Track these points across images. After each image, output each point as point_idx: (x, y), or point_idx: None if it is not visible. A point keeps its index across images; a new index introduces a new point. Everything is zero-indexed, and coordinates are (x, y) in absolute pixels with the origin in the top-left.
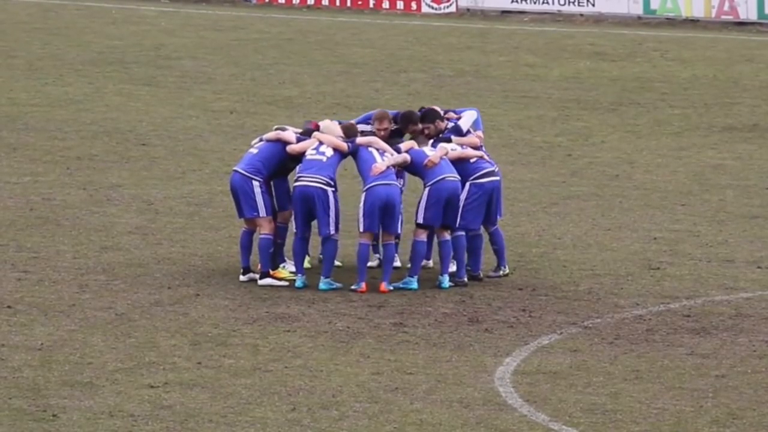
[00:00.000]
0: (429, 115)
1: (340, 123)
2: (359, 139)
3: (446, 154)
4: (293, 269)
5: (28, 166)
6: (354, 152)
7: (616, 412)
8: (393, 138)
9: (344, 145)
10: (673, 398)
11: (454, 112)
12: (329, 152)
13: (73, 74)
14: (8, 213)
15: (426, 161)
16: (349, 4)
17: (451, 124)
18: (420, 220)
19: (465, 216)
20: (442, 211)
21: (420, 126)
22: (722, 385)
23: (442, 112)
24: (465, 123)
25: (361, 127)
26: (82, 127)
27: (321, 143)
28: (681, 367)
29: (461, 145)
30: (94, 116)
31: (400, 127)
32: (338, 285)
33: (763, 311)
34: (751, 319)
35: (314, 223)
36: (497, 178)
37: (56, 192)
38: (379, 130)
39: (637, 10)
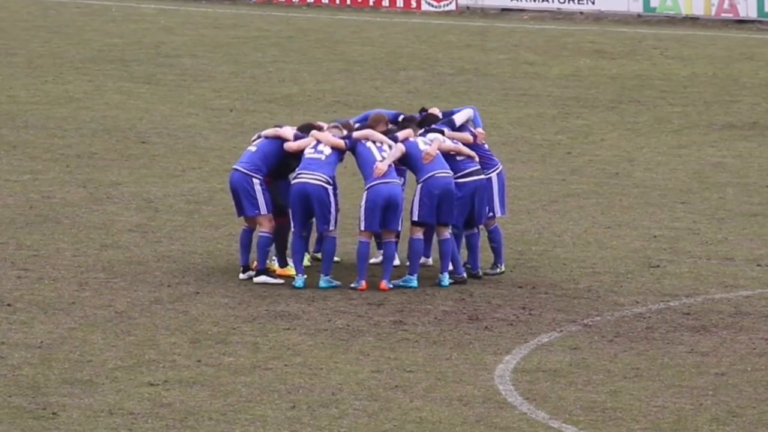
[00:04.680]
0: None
1: (338, 122)
2: (356, 133)
3: (439, 147)
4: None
5: (28, 164)
6: (352, 148)
7: (615, 410)
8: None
9: (341, 143)
10: (673, 396)
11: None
12: (327, 151)
13: (73, 72)
14: (8, 211)
15: (423, 155)
16: (348, 2)
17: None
18: (415, 218)
19: None
20: (436, 208)
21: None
22: (722, 383)
23: (441, 115)
24: (459, 118)
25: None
26: (82, 125)
27: (319, 142)
28: (681, 365)
29: (453, 139)
30: (94, 114)
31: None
32: (338, 283)
33: (763, 309)
34: (751, 317)
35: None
36: (480, 177)
37: (56, 190)
38: None
39: (637, 8)
